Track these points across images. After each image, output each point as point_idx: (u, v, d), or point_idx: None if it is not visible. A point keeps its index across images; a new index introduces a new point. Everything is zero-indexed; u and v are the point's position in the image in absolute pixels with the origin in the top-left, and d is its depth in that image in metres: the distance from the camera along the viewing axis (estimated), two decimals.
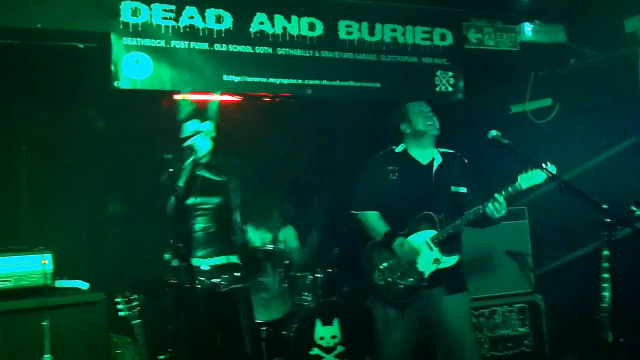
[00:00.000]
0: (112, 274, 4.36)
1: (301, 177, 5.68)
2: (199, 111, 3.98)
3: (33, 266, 3.54)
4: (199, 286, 3.67)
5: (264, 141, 5.54)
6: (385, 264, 3.69)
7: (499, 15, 5.34)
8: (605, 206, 3.49)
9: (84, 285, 3.73)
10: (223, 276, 3.73)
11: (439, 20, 5.20)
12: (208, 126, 3.86)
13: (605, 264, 3.61)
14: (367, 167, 3.97)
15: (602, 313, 3.60)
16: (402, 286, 3.64)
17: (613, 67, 5.07)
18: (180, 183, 3.50)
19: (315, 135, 5.61)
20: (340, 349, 4.38)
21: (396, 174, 3.80)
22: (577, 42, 5.35)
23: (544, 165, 3.51)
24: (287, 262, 4.63)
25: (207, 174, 3.86)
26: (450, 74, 5.24)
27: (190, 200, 3.70)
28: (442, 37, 5.24)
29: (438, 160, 3.89)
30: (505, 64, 5.44)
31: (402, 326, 3.69)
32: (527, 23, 5.32)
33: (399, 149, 3.98)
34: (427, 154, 3.91)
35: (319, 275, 4.66)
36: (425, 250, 3.68)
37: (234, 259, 3.81)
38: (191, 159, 3.58)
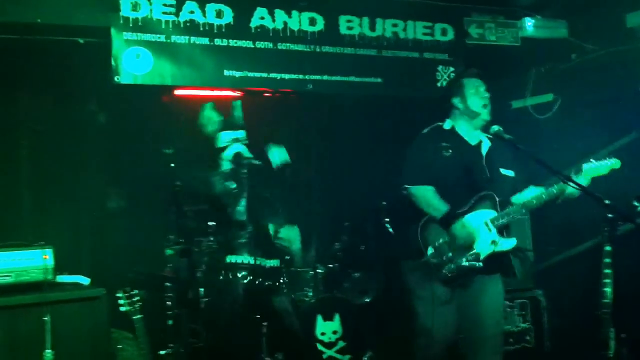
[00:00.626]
0: (113, 269, 4.35)
1: (301, 172, 5.65)
2: (229, 120, 4.41)
3: (34, 261, 3.52)
4: None
5: (264, 137, 5.52)
6: (440, 241, 3.53)
7: (500, 11, 5.33)
8: (607, 201, 3.48)
9: (84, 280, 3.72)
10: None
11: (440, 15, 5.20)
12: (243, 134, 4.43)
13: (607, 260, 3.61)
14: (418, 142, 3.79)
15: (603, 309, 3.60)
16: (455, 266, 3.48)
17: (614, 63, 5.05)
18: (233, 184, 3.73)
19: (316, 130, 5.58)
20: (341, 344, 4.36)
21: (450, 151, 3.65)
22: (579, 37, 5.34)
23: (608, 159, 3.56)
24: (287, 257, 4.62)
25: None
26: (452, 69, 5.24)
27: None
28: (444, 32, 5.24)
29: (486, 142, 3.76)
30: (507, 59, 5.44)
31: (449, 309, 3.57)
32: (529, 18, 5.32)
33: (446, 125, 3.81)
34: (474, 135, 3.77)
35: (319, 271, 4.64)
36: (483, 231, 3.53)
37: None
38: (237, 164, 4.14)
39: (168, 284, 4.33)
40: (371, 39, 5.01)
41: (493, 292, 3.67)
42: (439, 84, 5.21)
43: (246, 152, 4.29)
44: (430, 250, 3.55)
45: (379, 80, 5.03)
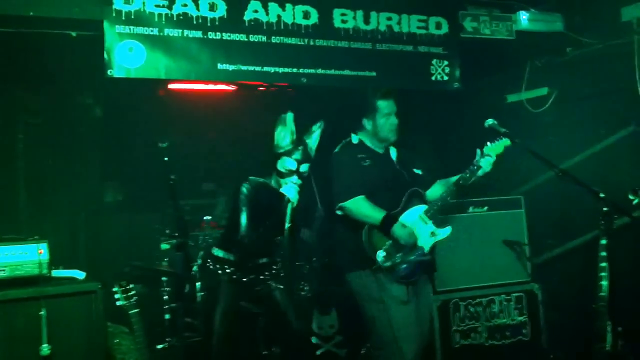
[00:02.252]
0: (108, 264, 4.33)
1: None
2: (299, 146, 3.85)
3: (29, 256, 3.49)
4: None
5: (255, 130, 5.50)
6: (387, 245, 3.69)
7: (495, 4, 5.32)
8: (602, 195, 3.49)
9: (80, 274, 3.69)
10: None
11: (434, 8, 5.17)
12: (306, 168, 3.87)
13: (603, 253, 3.61)
14: (336, 160, 4.00)
15: (600, 302, 3.61)
16: (407, 264, 3.66)
17: (610, 56, 5.05)
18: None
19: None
20: (338, 338, 4.37)
21: (367, 161, 3.88)
22: (574, 30, 5.33)
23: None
24: (283, 252, 4.59)
25: None
26: (446, 62, 5.22)
27: None
28: (438, 26, 5.21)
29: (392, 149, 4.05)
30: (502, 52, 5.43)
31: (409, 308, 3.73)
32: (524, 12, 5.30)
33: (354, 140, 4.07)
34: (380, 145, 4.04)
35: (316, 265, 4.64)
36: (420, 225, 3.71)
37: None
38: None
39: (164, 278, 4.33)
40: (365, 32, 4.98)
41: (426, 292, 3.96)
42: (433, 78, 5.19)
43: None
44: (380, 255, 3.67)
45: (373, 73, 5.00)
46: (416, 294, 3.81)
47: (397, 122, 4.00)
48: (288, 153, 3.74)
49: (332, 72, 4.85)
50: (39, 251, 3.52)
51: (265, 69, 4.66)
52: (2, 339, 3.34)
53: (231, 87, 5.10)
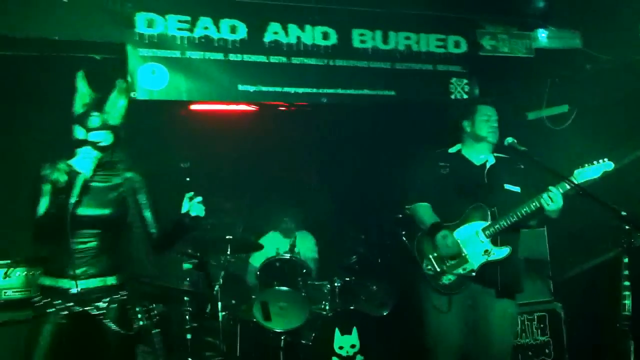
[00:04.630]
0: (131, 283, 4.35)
1: (315, 185, 5.69)
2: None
3: None
4: None
5: (274, 149, 5.55)
6: (435, 254, 3.68)
7: (513, 22, 5.33)
8: (624, 213, 3.46)
9: None
10: None
11: (453, 27, 5.21)
12: (100, 137, 3.09)
13: (626, 272, 3.57)
14: (418, 162, 3.95)
15: (623, 321, 3.56)
16: (450, 276, 3.63)
17: (628, 72, 5.03)
18: None
19: (331, 143, 5.61)
20: (359, 358, 4.35)
21: (447, 169, 3.79)
22: (592, 47, 5.32)
23: (600, 160, 3.54)
24: (304, 270, 4.62)
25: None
26: (465, 81, 5.24)
27: None
28: (457, 45, 5.24)
29: (491, 161, 3.84)
30: (521, 70, 5.43)
31: (449, 319, 3.64)
32: (542, 29, 5.32)
33: (452, 149, 3.94)
34: (481, 157, 3.86)
35: (336, 284, 4.64)
36: (475, 241, 3.62)
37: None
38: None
39: (186, 297, 4.36)
40: (384, 52, 5.02)
41: (502, 310, 3.67)
42: (452, 96, 5.21)
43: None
44: (424, 263, 3.68)
45: (393, 92, 5.04)
46: (473, 307, 3.69)
47: (497, 125, 3.83)
48: (78, 120, 3.08)
49: (352, 91, 4.89)
50: None
51: (286, 89, 4.72)
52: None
53: (252, 107, 5.15)
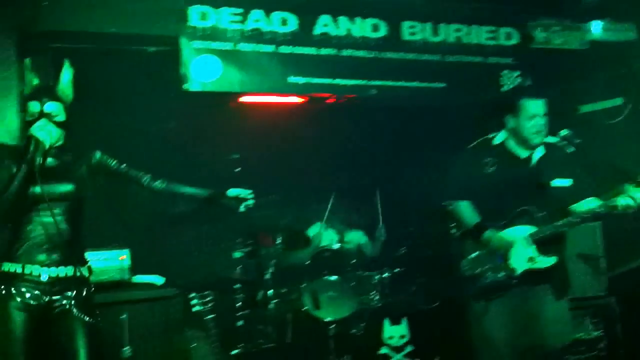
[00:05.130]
0: (185, 270, 4.45)
1: (363, 177, 5.69)
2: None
3: (111, 262, 3.65)
4: None
5: (322, 141, 5.57)
6: (474, 255, 3.58)
7: (566, 14, 5.25)
8: None
9: (159, 280, 3.82)
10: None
11: (504, 19, 5.15)
12: (53, 108, 2.97)
13: None
14: (462, 157, 3.80)
15: None
16: (489, 280, 3.51)
17: None
18: None
19: (379, 135, 5.60)
20: (409, 348, 4.34)
21: (494, 166, 3.59)
22: None
23: None
24: (353, 261, 4.64)
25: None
26: (516, 73, 5.18)
27: None
28: (508, 37, 5.19)
29: (538, 153, 3.61)
30: (574, 62, 5.33)
31: (491, 321, 3.53)
32: (597, 21, 5.21)
33: (496, 140, 3.71)
34: (525, 147, 3.63)
35: (385, 275, 4.64)
36: (520, 247, 3.47)
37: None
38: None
39: (237, 285, 4.43)
40: (434, 44, 5.00)
41: (553, 309, 3.56)
42: (503, 89, 5.16)
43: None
44: (464, 263, 3.60)
45: (443, 85, 5.02)
46: (519, 308, 3.55)
47: (544, 123, 3.56)
48: (29, 97, 2.99)
49: (401, 84, 4.88)
50: (121, 257, 3.67)
51: (335, 81, 4.74)
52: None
53: (301, 99, 5.19)
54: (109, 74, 4.55)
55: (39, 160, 2.82)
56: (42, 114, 2.92)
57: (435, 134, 5.46)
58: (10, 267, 2.85)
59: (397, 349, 4.34)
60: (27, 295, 2.82)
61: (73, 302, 2.90)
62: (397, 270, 4.72)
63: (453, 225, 4.83)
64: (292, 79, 4.64)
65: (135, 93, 4.68)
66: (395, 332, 4.37)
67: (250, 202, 3.20)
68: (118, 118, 4.81)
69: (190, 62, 4.37)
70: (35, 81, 3.05)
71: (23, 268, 2.84)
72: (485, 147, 3.72)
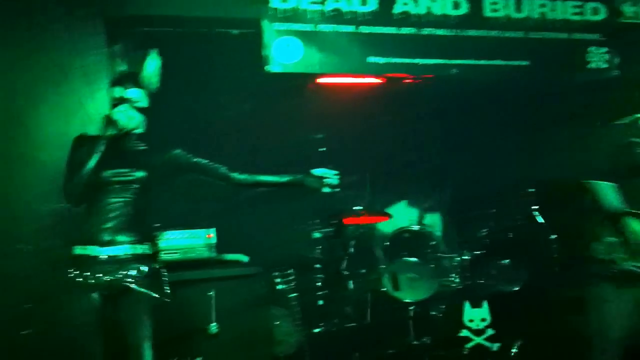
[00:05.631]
0: (269, 250, 4.51)
1: (444, 158, 5.62)
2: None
3: (199, 240, 3.75)
4: None
5: (399, 122, 5.53)
6: (614, 239, 3.38)
7: None
8: None
9: (244, 258, 3.90)
10: None
11: None
12: (136, 94, 3.05)
13: None
14: (609, 133, 3.70)
15: None
16: (626, 268, 3.32)
17: None
18: None
19: (459, 115, 5.50)
20: (490, 332, 4.28)
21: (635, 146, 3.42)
22: None
23: None
24: (433, 242, 4.60)
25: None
26: (604, 49, 4.97)
27: None
28: (595, 11, 4.97)
29: None
30: None
31: (616, 309, 3.35)
32: None
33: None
34: None
35: (466, 257, 4.59)
36: None
37: None
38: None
39: (317, 265, 4.49)
40: (517, 21, 4.86)
41: None
42: (590, 66, 4.96)
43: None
44: (599, 246, 3.41)
45: (526, 63, 4.87)
46: None
47: None
48: (114, 82, 3.09)
49: (483, 62, 4.77)
50: (208, 236, 3.77)
51: (415, 61, 4.68)
52: (174, 317, 3.58)
53: (377, 80, 5.15)
54: (193, 57, 4.64)
55: (114, 142, 2.91)
56: (123, 99, 3.00)
57: (517, 114, 5.33)
58: (80, 250, 2.93)
59: (478, 332, 4.29)
60: (96, 276, 2.88)
61: (139, 280, 2.92)
62: (478, 252, 4.65)
63: (535, 207, 4.75)
64: (372, 59, 4.60)
65: (219, 75, 4.76)
66: (476, 315, 4.32)
67: (334, 181, 3.17)
68: (202, 101, 4.91)
69: (272, 43, 4.41)
70: (122, 67, 3.19)
71: (91, 250, 2.91)
72: (633, 126, 3.59)
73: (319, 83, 4.98)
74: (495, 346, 4.27)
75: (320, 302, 4.34)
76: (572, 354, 4.17)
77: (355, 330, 4.41)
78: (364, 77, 4.95)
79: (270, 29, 4.41)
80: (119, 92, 3.02)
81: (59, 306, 3.13)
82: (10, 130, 3.64)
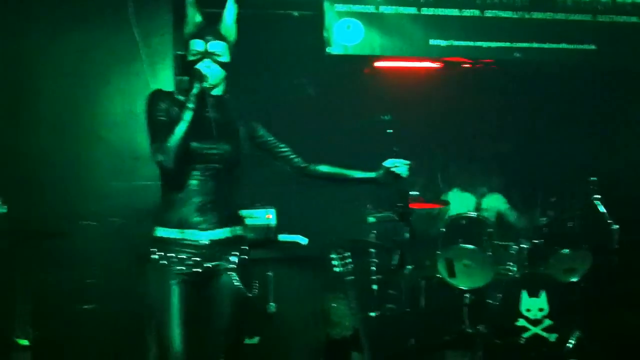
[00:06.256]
0: (325, 232, 4.53)
1: (502, 145, 5.52)
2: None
3: (259, 220, 3.79)
4: None
5: (457, 108, 5.44)
6: None
7: None
8: None
9: (303, 240, 3.94)
10: None
11: None
12: (218, 47, 2.73)
13: None
14: None
15: None
16: None
17: None
18: None
19: (521, 101, 5.39)
20: (547, 322, 4.21)
21: None
22: None
23: None
24: (491, 230, 4.53)
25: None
26: None
27: None
28: None
29: None
30: None
31: None
32: None
33: None
34: None
35: (524, 246, 4.50)
36: None
37: None
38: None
39: (372, 250, 4.48)
40: (585, 4, 4.71)
41: None
42: None
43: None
44: None
45: (593, 47, 4.73)
46: None
47: None
48: (193, 35, 2.76)
49: (548, 46, 4.66)
50: (268, 216, 3.81)
51: (478, 44, 4.60)
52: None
53: (435, 65, 5.09)
54: (254, 38, 4.65)
55: (199, 104, 2.60)
56: (206, 53, 2.70)
57: (582, 100, 5.19)
58: (164, 232, 2.66)
59: (535, 322, 4.22)
60: (183, 259, 2.63)
61: (231, 264, 2.73)
62: (536, 241, 4.56)
63: (597, 197, 4.60)
64: (434, 42, 4.56)
65: (280, 57, 4.77)
66: (533, 305, 4.25)
67: (404, 171, 3.00)
68: (263, 82, 4.92)
69: (333, 25, 4.39)
70: (198, 18, 2.78)
71: (179, 233, 2.64)
72: None
73: (375, 68, 4.96)
74: (553, 337, 4.18)
75: (375, 287, 4.36)
76: (631, 348, 4.10)
77: (409, 316, 4.40)
78: (424, 60, 4.90)
79: (331, 11, 4.40)
80: (200, 45, 2.70)
81: (128, 283, 3.21)
82: (80, 111, 3.72)
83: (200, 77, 2.63)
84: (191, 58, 2.72)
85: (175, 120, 2.56)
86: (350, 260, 3.88)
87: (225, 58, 2.76)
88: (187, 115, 2.56)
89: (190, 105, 2.57)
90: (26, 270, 3.45)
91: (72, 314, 3.64)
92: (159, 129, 2.61)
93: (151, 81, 3.80)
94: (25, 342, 3.36)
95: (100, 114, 3.88)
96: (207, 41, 2.71)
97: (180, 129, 2.54)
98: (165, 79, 3.93)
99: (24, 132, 3.70)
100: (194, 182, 2.65)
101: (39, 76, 3.77)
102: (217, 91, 2.76)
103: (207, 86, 2.66)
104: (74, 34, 3.76)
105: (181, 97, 2.67)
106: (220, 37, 2.75)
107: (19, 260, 3.45)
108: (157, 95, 2.75)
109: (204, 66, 2.68)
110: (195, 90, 2.60)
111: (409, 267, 4.38)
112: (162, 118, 2.64)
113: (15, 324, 3.41)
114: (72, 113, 3.78)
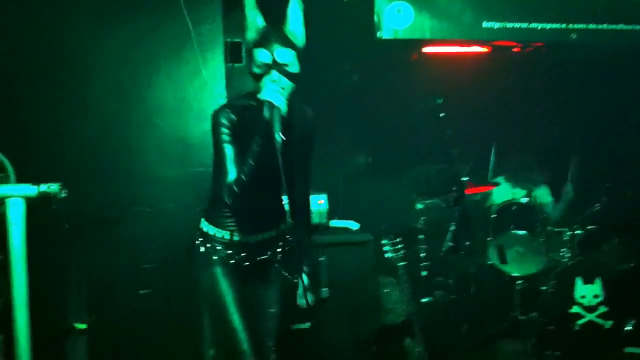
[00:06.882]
0: (376, 218, 4.53)
1: (554, 131, 5.42)
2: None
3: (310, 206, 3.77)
4: None
5: (505, 94, 5.35)
6: None
7: None
8: None
9: (354, 225, 3.93)
10: None
11: None
12: (286, 56, 2.49)
13: None
14: None
15: None
16: None
17: None
18: None
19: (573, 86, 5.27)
20: (602, 309, 4.13)
21: None
22: None
23: None
24: (543, 216, 4.45)
25: None
26: None
27: None
28: None
29: None
30: None
31: None
32: None
33: None
34: None
35: (578, 232, 4.42)
36: None
37: None
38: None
39: (421, 236, 4.46)
40: None
41: None
42: None
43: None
44: None
45: None
46: None
47: None
48: (256, 44, 2.48)
49: (606, 27, 4.51)
50: (319, 202, 3.80)
51: (532, 25, 4.48)
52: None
53: (484, 49, 5.00)
54: (307, 24, 4.63)
55: (278, 130, 2.37)
56: (274, 64, 2.43)
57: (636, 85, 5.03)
58: (211, 229, 2.65)
59: (590, 309, 4.15)
60: (231, 255, 2.63)
61: (276, 257, 2.74)
62: (590, 227, 4.47)
63: None
64: (487, 24, 4.45)
65: (329, 41, 4.73)
66: (588, 292, 4.18)
67: None
68: (314, 66, 4.90)
69: (384, 9, 4.33)
70: (261, 22, 2.50)
71: (227, 234, 2.64)
72: None
73: (422, 53, 4.89)
74: (608, 324, 4.11)
75: (424, 273, 4.35)
76: None
77: (461, 302, 4.38)
78: (476, 44, 4.81)
79: None
80: (266, 56, 2.43)
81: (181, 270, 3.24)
82: (131, 98, 3.75)
83: (271, 110, 2.37)
84: (256, 71, 2.47)
85: (243, 157, 2.40)
86: (401, 246, 3.88)
87: (295, 68, 2.49)
88: (253, 159, 2.38)
89: (260, 143, 2.38)
90: (84, 255, 3.50)
91: (127, 299, 3.69)
92: (226, 160, 2.45)
93: (202, 68, 3.80)
94: (82, 326, 3.43)
95: (152, 101, 3.91)
96: (273, 50, 2.44)
97: (247, 172, 2.39)
98: (215, 66, 3.93)
99: (79, 121, 3.74)
100: (245, 190, 2.45)
101: (91, 64, 3.81)
102: (283, 105, 2.44)
103: (280, 116, 2.38)
104: (125, 21, 3.77)
105: (243, 102, 2.52)
106: (288, 43, 2.48)
107: (76, 245, 3.51)
108: (221, 115, 2.51)
109: (272, 87, 2.41)
110: (266, 129, 2.36)
111: (461, 252, 4.34)
112: (227, 145, 2.46)
113: (72, 308, 3.48)
114: (122, 101, 3.81)
